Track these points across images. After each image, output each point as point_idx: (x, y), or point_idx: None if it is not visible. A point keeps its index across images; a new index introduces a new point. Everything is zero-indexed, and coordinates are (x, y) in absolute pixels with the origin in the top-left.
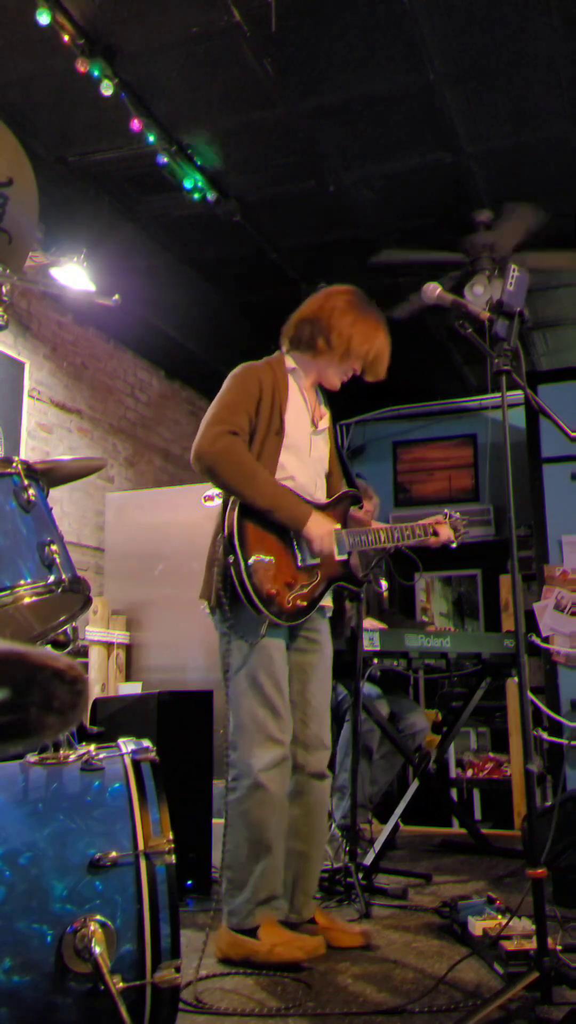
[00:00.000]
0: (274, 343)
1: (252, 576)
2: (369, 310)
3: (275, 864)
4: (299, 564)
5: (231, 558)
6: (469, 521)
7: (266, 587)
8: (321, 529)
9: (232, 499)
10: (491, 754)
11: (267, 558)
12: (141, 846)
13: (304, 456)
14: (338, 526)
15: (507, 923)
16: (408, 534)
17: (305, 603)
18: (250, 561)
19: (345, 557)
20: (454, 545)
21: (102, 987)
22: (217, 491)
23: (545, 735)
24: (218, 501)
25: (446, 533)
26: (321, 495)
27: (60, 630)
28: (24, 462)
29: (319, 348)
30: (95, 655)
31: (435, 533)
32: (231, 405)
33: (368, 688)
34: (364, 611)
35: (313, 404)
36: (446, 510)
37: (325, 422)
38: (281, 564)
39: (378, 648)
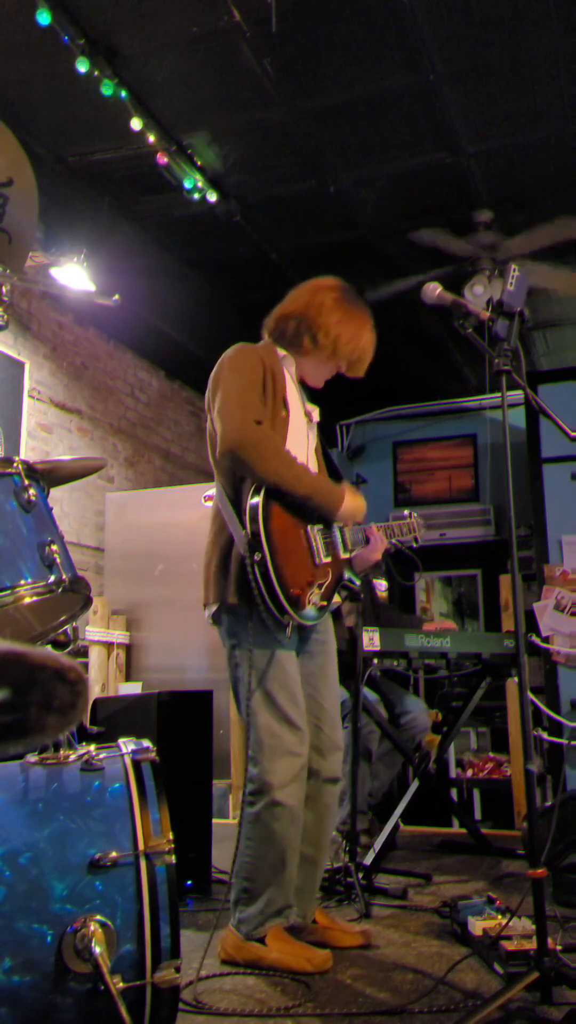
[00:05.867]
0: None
1: (281, 574)
2: (356, 306)
3: (290, 876)
4: (316, 562)
5: (257, 555)
6: (468, 521)
7: (293, 587)
8: (358, 501)
9: (251, 493)
10: (491, 754)
11: (292, 555)
12: (141, 846)
13: (301, 445)
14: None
15: (507, 923)
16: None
17: (325, 603)
18: (278, 558)
19: (349, 555)
20: (415, 545)
21: (102, 987)
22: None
23: (545, 735)
24: None
25: (375, 542)
26: None
27: (60, 630)
28: (24, 462)
29: (304, 347)
30: (95, 655)
31: (366, 540)
32: (245, 388)
33: (366, 692)
34: (361, 615)
35: (302, 397)
36: (406, 510)
37: (317, 415)
38: (303, 561)
39: (378, 648)
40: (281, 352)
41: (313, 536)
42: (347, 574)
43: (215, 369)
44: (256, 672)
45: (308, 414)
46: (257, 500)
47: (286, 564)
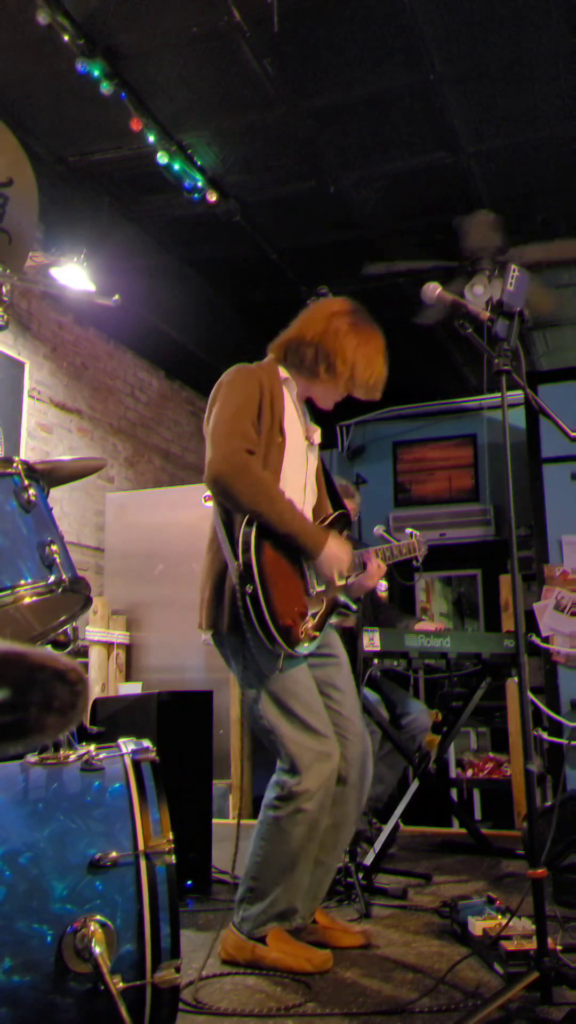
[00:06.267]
0: (268, 344)
1: (272, 607)
2: (369, 329)
3: (299, 881)
4: (310, 592)
5: (249, 588)
6: (468, 521)
7: (284, 618)
8: (341, 549)
9: (244, 522)
10: (491, 754)
11: (284, 586)
12: (141, 846)
13: (299, 470)
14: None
15: (507, 923)
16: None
17: (317, 632)
18: (270, 592)
19: (345, 582)
20: (416, 563)
21: (102, 987)
22: None
23: (545, 735)
24: None
25: (372, 568)
26: (307, 514)
27: (60, 630)
28: (24, 462)
29: (320, 375)
30: (95, 655)
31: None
32: (237, 415)
33: (366, 693)
34: (361, 615)
35: (304, 418)
36: (408, 528)
37: (317, 437)
38: (296, 592)
39: (378, 648)
40: (283, 374)
41: (307, 565)
42: (343, 598)
43: (213, 391)
44: (267, 688)
45: (308, 437)
46: (250, 529)
47: (278, 596)
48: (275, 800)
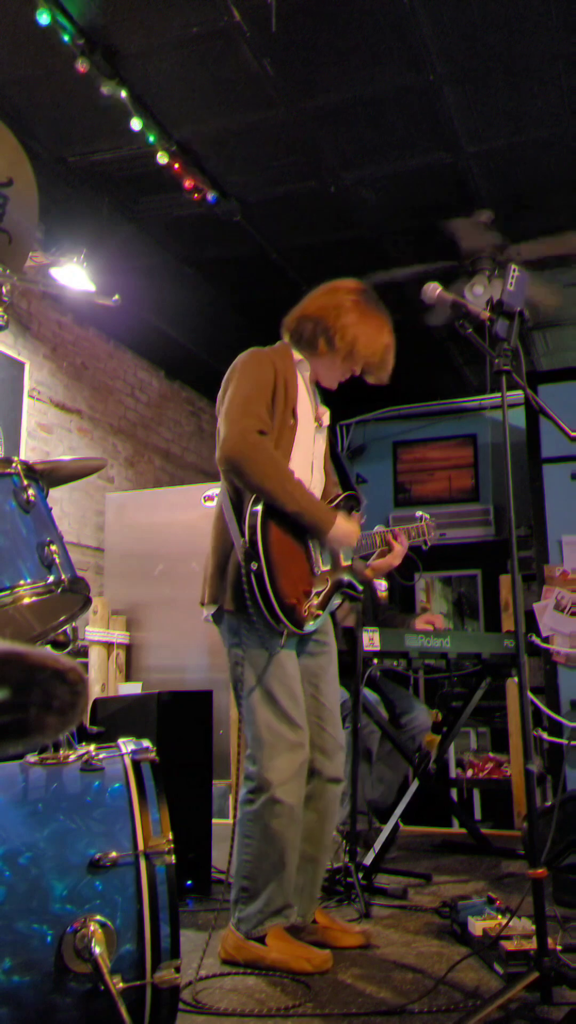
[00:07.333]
0: (274, 344)
1: (276, 585)
2: (375, 310)
3: (290, 875)
4: (315, 571)
5: (254, 565)
6: (468, 521)
7: (288, 597)
8: (350, 527)
9: (252, 501)
10: (491, 754)
11: (289, 565)
12: (141, 846)
13: (307, 452)
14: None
15: (507, 923)
16: (375, 541)
17: (320, 611)
18: (275, 569)
19: (350, 562)
20: (424, 548)
21: (102, 987)
22: (216, 491)
23: (545, 735)
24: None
25: (398, 548)
26: (316, 495)
27: (60, 630)
28: (24, 462)
29: (320, 348)
30: (95, 655)
31: (388, 547)
32: (252, 397)
33: (366, 693)
34: (361, 614)
35: (315, 400)
36: (418, 511)
37: (327, 419)
38: (301, 571)
39: (378, 648)
40: (297, 356)
41: (313, 545)
42: (347, 578)
43: (228, 373)
44: (255, 670)
45: (318, 419)
46: (258, 508)
47: (283, 574)
48: (248, 794)
